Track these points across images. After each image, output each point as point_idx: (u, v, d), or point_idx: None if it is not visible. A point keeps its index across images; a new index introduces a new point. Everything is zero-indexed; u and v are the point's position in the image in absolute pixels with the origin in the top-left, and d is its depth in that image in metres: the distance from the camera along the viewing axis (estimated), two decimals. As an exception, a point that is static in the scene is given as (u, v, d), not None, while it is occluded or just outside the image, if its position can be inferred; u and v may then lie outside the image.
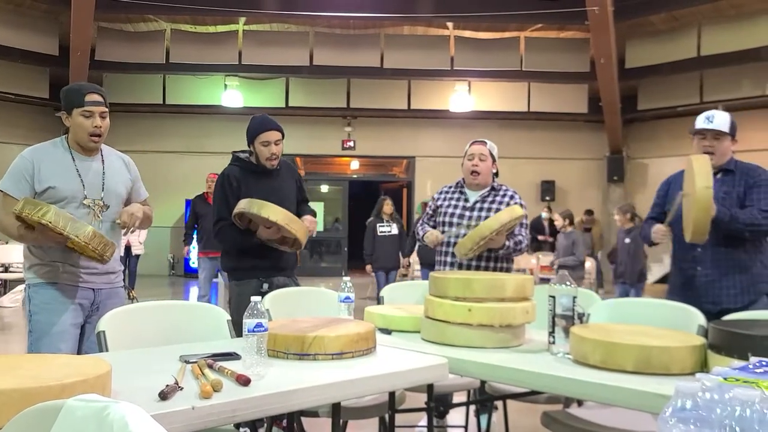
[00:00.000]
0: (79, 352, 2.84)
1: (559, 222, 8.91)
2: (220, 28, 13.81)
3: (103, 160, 2.95)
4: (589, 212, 13.67)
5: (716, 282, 3.09)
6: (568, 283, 2.34)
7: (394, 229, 8.26)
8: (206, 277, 7.74)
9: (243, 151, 3.59)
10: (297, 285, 3.47)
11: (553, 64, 13.79)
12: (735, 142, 3.21)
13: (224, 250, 3.65)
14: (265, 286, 3.41)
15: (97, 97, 2.84)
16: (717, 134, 3.15)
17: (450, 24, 13.58)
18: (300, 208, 3.62)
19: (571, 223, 8.91)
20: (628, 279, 7.66)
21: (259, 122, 3.48)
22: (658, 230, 3.22)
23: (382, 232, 8.20)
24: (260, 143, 3.44)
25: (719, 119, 3.17)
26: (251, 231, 3.40)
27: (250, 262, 3.46)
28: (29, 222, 2.59)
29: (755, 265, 3.10)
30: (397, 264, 8.41)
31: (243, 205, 3.23)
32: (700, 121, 3.20)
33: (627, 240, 7.62)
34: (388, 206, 8.31)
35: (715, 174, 3.11)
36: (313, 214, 3.63)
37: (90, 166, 2.89)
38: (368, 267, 8.19)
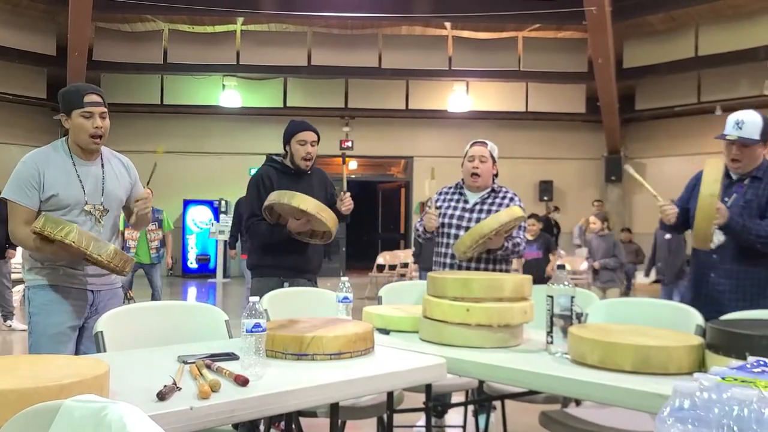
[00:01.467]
0: (76, 353, 2.83)
1: (597, 225, 8.63)
2: (218, 29, 13.79)
3: (102, 164, 2.94)
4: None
5: (726, 293, 2.98)
6: (565, 283, 2.35)
7: None
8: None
9: (276, 155, 3.76)
10: None
11: (551, 64, 13.79)
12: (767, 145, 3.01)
13: (250, 248, 3.78)
14: (286, 284, 3.48)
15: (96, 98, 2.82)
16: (745, 142, 2.96)
17: (448, 24, 13.58)
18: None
19: (608, 226, 8.74)
20: (667, 277, 7.39)
21: (298, 122, 3.73)
22: (663, 208, 3.13)
23: None
24: (297, 141, 3.64)
25: (749, 126, 2.94)
26: (281, 225, 3.49)
27: (272, 260, 3.59)
28: (49, 237, 2.59)
29: None
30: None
31: (273, 196, 3.35)
32: (729, 126, 2.99)
33: (667, 236, 7.32)
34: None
35: (742, 180, 3.04)
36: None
37: (89, 171, 2.88)
38: (413, 266, 8.37)
